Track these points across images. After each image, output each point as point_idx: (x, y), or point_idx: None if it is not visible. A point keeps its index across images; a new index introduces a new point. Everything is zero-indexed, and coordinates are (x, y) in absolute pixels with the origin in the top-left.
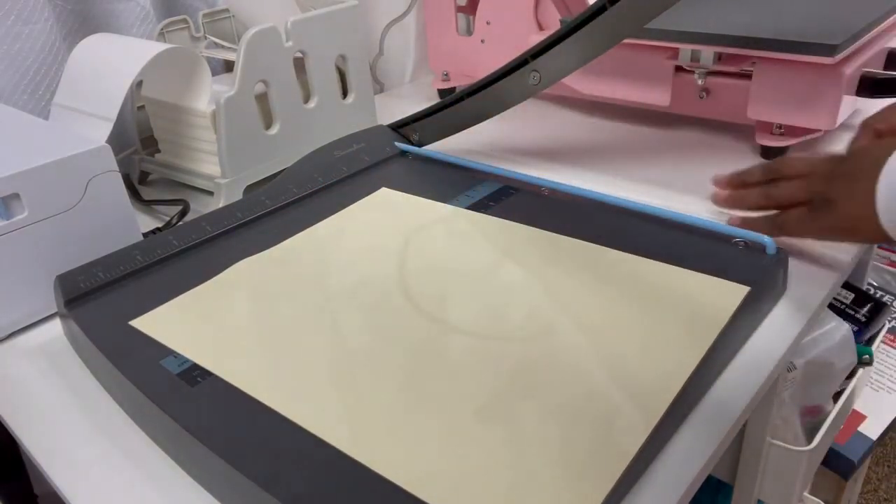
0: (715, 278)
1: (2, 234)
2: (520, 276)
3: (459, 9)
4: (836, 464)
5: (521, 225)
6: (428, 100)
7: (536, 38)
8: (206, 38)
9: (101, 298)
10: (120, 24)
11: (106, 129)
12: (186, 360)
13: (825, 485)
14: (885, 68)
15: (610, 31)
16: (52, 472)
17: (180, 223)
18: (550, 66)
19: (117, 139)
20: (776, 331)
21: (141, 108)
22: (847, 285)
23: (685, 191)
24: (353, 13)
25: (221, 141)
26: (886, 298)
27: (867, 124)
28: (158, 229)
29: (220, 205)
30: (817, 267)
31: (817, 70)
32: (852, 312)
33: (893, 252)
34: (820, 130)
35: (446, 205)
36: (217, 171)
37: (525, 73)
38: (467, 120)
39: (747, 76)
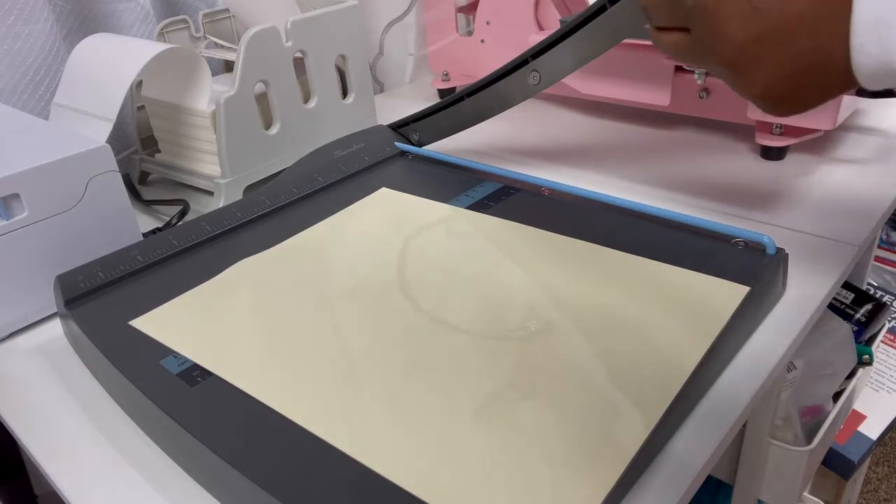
0: (715, 278)
1: (2, 234)
2: (519, 275)
3: (459, 9)
4: (836, 464)
5: (521, 225)
6: (428, 100)
7: (536, 38)
8: (206, 38)
9: (101, 298)
10: (120, 24)
11: (106, 129)
12: (186, 360)
13: (825, 485)
14: None
15: (610, 31)
16: (52, 472)
17: (180, 223)
18: (550, 66)
19: (117, 139)
20: (776, 331)
21: (141, 108)
22: (847, 285)
23: (685, 191)
24: (353, 13)
25: (221, 141)
26: (886, 298)
27: None
28: (158, 229)
29: (220, 205)
30: (817, 267)
31: None
32: (852, 312)
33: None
34: (820, 130)
35: (446, 205)
36: (217, 171)
37: (525, 73)
38: (467, 120)
39: None
